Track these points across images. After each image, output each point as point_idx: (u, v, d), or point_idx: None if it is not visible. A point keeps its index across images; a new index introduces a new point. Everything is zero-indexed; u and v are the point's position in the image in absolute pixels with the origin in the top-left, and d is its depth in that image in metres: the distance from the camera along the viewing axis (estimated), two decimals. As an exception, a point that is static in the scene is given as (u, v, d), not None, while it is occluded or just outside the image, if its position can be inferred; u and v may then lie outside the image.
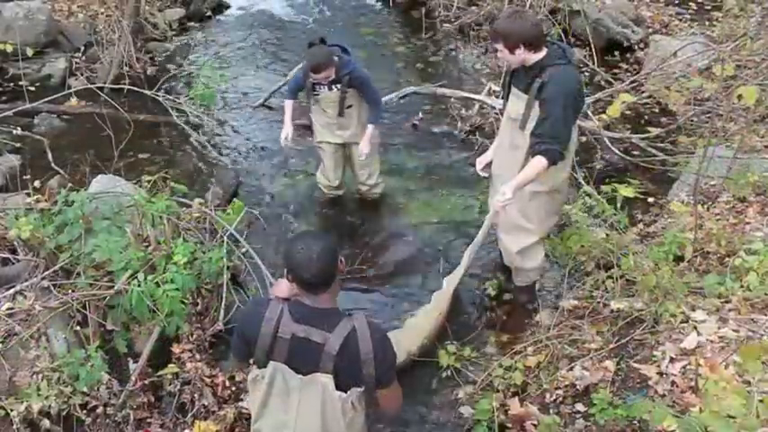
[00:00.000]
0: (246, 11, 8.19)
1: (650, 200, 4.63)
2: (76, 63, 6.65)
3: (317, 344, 2.14)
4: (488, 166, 3.90)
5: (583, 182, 4.11)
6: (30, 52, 6.01)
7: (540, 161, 3.29)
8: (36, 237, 3.61)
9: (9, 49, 5.65)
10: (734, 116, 4.64)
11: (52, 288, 3.36)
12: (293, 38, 7.57)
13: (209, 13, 7.94)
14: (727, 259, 3.59)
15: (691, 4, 7.15)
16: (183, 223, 3.85)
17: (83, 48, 6.86)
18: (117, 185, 4.26)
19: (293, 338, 2.16)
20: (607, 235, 4.04)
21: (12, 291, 3.49)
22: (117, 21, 6.51)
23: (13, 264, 3.66)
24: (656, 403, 2.58)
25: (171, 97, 5.58)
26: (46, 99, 5.30)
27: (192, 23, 7.72)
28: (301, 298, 2.22)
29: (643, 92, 4.99)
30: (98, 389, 3.26)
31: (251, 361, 2.32)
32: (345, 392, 2.21)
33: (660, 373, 3.04)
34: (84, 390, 3.17)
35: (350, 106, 4.31)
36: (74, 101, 6.09)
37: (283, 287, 2.58)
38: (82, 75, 6.48)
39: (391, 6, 8.13)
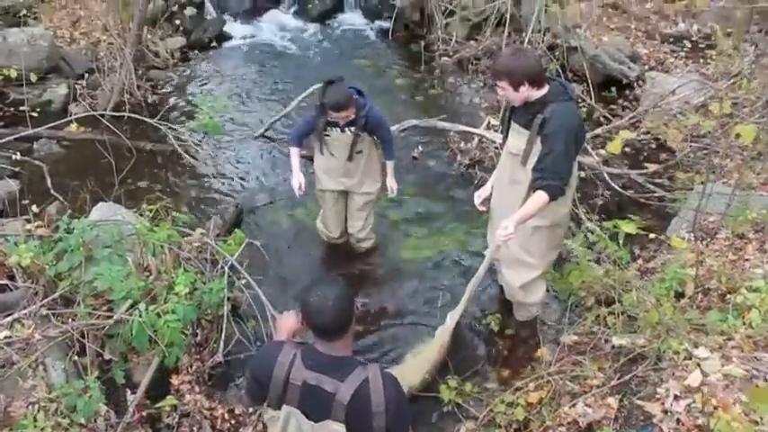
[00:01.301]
0: (247, 42, 8.27)
1: (651, 235, 4.65)
2: (78, 89, 6.67)
3: (329, 393, 2.10)
4: (487, 200, 3.92)
5: (585, 218, 4.12)
6: (33, 78, 6.05)
7: (541, 196, 3.31)
8: (36, 264, 3.59)
9: (14, 74, 5.67)
10: (730, 153, 4.71)
11: (52, 316, 3.32)
12: (293, 69, 7.66)
13: (213, 44, 8.01)
14: (728, 296, 3.60)
15: (685, 42, 7.28)
16: (183, 253, 3.83)
17: (84, 74, 6.89)
18: (117, 213, 4.25)
19: (304, 385, 2.12)
20: (607, 271, 4.06)
21: (9, 318, 3.45)
22: (119, 48, 6.56)
23: (11, 291, 3.63)
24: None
25: (175, 126, 5.60)
26: (48, 125, 5.30)
27: (194, 53, 7.79)
28: (315, 343, 2.19)
29: (641, 128, 5.05)
30: (95, 420, 3.22)
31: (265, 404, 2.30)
32: None
33: (665, 411, 3.02)
34: (82, 421, 3.12)
35: (359, 152, 4.22)
36: (74, 127, 6.09)
37: (290, 322, 2.57)
38: (83, 101, 6.50)
39: (390, 40, 8.22)
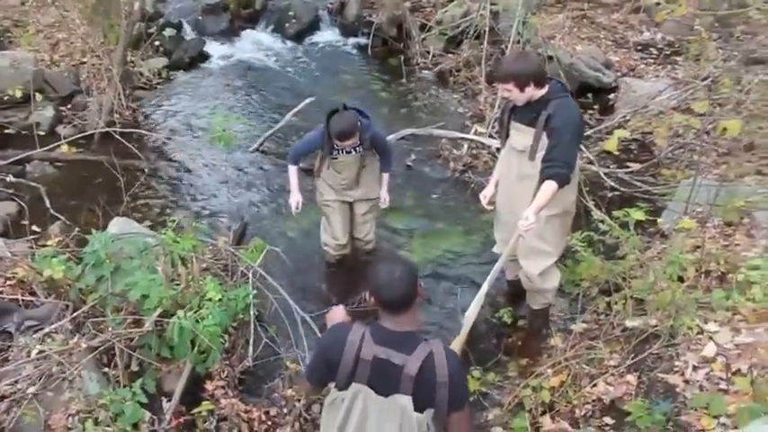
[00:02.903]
0: (227, 60, 8.35)
1: (648, 227, 4.89)
2: (64, 111, 6.64)
3: (397, 366, 2.23)
4: (492, 199, 4.12)
5: (594, 209, 4.36)
6: (18, 93, 6.06)
7: (551, 185, 3.53)
8: (62, 279, 3.61)
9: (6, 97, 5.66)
10: (713, 148, 5.06)
11: (90, 326, 3.35)
12: (275, 86, 7.75)
13: (194, 63, 8.08)
14: (728, 277, 3.87)
15: (651, 49, 7.72)
16: (208, 261, 3.90)
17: (70, 96, 6.87)
18: (133, 228, 4.30)
19: (374, 360, 2.25)
20: (608, 260, 4.31)
21: (41, 333, 3.46)
22: (106, 69, 6.58)
23: (38, 306, 3.63)
24: (714, 394, 2.80)
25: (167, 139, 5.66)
26: (47, 147, 5.34)
27: (175, 73, 7.83)
28: (382, 321, 2.33)
29: (626, 129, 5.34)
30: (138, 427, 3.25)
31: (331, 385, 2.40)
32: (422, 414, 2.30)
33: (686, 381, 3.24)
34: (128, 429, 3.15)
35: (364, 166, 4.39)
36: (65, 148, 6.08)
37: (339, 314, 2.70)
38: (70, 122, 6.48)
39: (369, 55, 8.42)
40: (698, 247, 4.27)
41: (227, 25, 8.90)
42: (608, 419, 3.40)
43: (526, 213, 3.50)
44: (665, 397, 3.26)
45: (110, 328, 3.46)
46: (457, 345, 3.48)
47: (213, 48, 8.46)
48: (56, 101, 6.78)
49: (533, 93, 3.60)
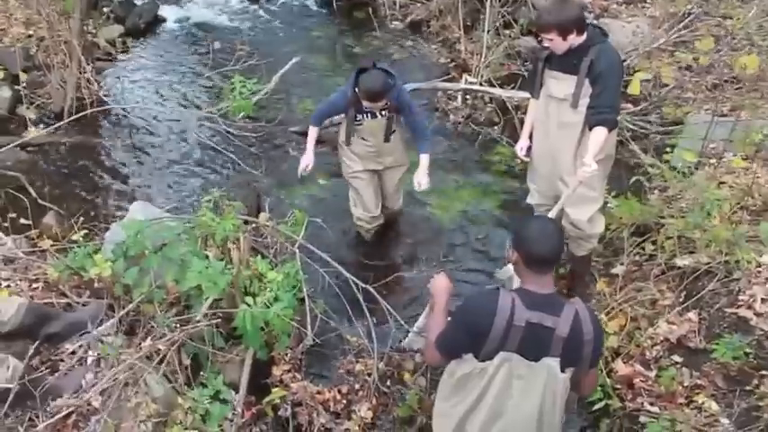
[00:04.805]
0: (185, 23, 7.80)
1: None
2: (20, 90, 6.03)
3: (549, 329, 2.21)
4: (528, 149, 4.08)
5: (641, 153, 4.37)
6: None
7: (602, 131, 3.53)
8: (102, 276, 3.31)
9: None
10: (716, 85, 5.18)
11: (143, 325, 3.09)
12: (241, 47, 7.29)
13: (150, 29, 7.51)
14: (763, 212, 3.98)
15: (617, -11, 7.74)
16: (254, 240, 3.67)
17: (22, 73, 6.23)
18: (155, 212, 3.97)
19: (527, 325, 2.21)
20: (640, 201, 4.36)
21: (89, 337, 3.18)
22: (64, 41, 5.99)
23: (83, 306, 3.33)
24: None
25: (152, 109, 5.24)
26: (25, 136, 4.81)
27: (133, 40, 7.24)
28: (526, 285, 2.28)
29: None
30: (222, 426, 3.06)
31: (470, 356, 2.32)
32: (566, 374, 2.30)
33: (757, 314, 3.35)
34: (216, 429, 2.96)
35: (393, 131, 4.14)
36: (32, 130, 5.56)
37: (444, 282, 2.61)
38: (33, 103, 5.91)
39: (334, 9, 8.06)
40: (722, 183, 4.39)
41: (177, -15, 8.29)
42: (676, 357, 3.49)
43: (586, 160, 3.47)
44: (737, 331, 3.36)
45: (165, 325, 3.22)
46: None
47: (168, 11, 7.87)
48: (8, 80, 6.14)
49: (575, 40, 3.54)
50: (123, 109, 5.82)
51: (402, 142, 4.30)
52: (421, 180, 4.19)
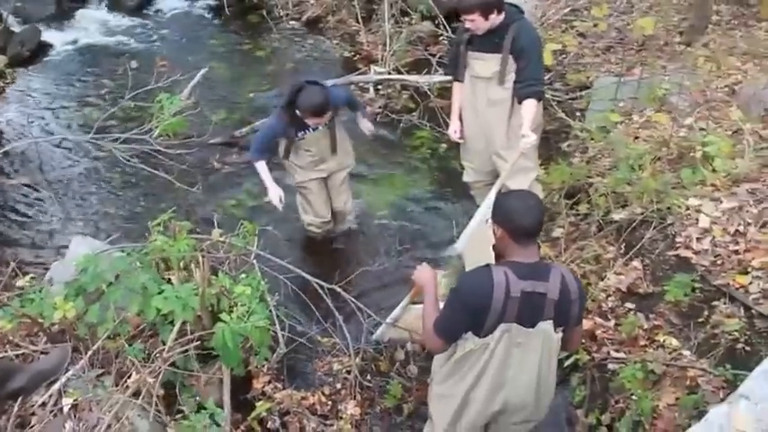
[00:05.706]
0: (73, 46, 7.38)
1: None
2: None
3: (542, 294, 2.32)
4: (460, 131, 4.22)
5: (570, 119, 4.60)
6: None
7: (532, 102, 3.75)
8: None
9: None
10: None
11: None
12: (142, 64, 6.97)
13: (43, 56, 7.05)
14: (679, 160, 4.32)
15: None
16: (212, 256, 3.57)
17: None
18: (97, 245, 3.78)
19: (523, 294, 2.30)
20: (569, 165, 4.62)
21: (57, 385, 2.99)
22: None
23: (44, 355, 3.11)
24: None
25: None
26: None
27: (18, 70, 6.78)
28: (513, 257, 2.37)
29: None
30: (216, 448, 2.99)
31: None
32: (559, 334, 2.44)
33: (695, 252, 3.65)
34: (214, 452, 2.89)
35: (334, 136, 4.14)
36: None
37: (428, 272, 2.67)
38: None
39: (227, 14, 7.86)
40: (636, 138, 4.73)
41: (55, 8, 7.84)
42: (630, 305, 3.74)
43: (524, 131, 3.65)
44: (680, 271, 3.65)
45: (140, 358, 3.09)
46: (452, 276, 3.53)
47: (52, 36, 7.42)
48: None
49: (495, 19, 3.71)
50: (17, 145, 5.42)
51: (344, 144, 4.29)
52: (367, 126, 4.38)
